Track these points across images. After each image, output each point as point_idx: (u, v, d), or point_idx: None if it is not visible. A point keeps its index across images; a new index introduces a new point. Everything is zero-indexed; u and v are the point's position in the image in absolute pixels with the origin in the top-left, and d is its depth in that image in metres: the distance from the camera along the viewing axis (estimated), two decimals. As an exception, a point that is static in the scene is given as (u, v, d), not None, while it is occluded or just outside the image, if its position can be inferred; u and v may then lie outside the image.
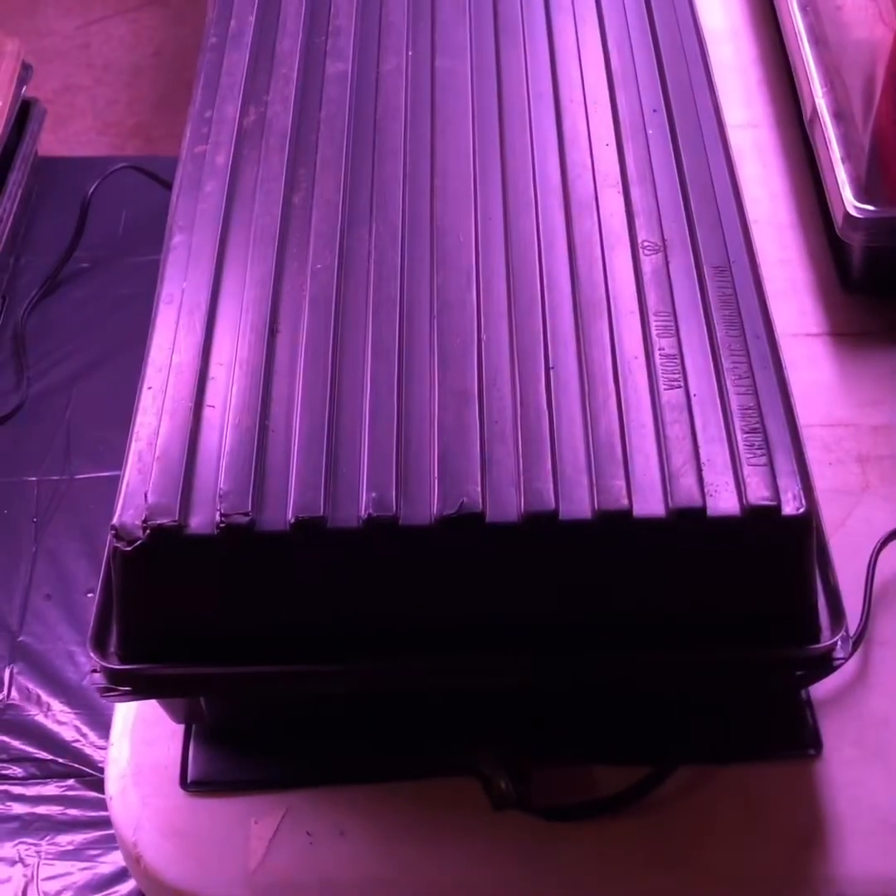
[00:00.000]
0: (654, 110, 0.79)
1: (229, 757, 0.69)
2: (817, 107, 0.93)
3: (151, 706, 0.69)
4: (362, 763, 0.68)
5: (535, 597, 0.61)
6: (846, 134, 0.90)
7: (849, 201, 0.86)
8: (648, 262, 0.69)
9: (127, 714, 0.71)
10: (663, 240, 0.71)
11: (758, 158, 1.02)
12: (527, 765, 0.66)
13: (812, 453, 0.81)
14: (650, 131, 0.78)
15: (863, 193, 0.86)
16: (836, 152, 0.89)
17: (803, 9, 1.00)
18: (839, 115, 0.92)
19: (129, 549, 0.59)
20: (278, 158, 0.76)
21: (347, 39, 0.84)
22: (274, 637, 0.62)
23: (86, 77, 2.31)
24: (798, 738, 0.69)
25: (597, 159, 0.75)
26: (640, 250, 0.70)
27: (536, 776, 0.66)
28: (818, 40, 0.97)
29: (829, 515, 0.77)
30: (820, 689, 0.70)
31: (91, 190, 1.30)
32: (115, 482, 0.63)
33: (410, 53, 0.83)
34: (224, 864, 0.66)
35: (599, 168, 0.75)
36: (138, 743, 0.70)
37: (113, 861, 0.89)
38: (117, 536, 0.59)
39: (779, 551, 0.60)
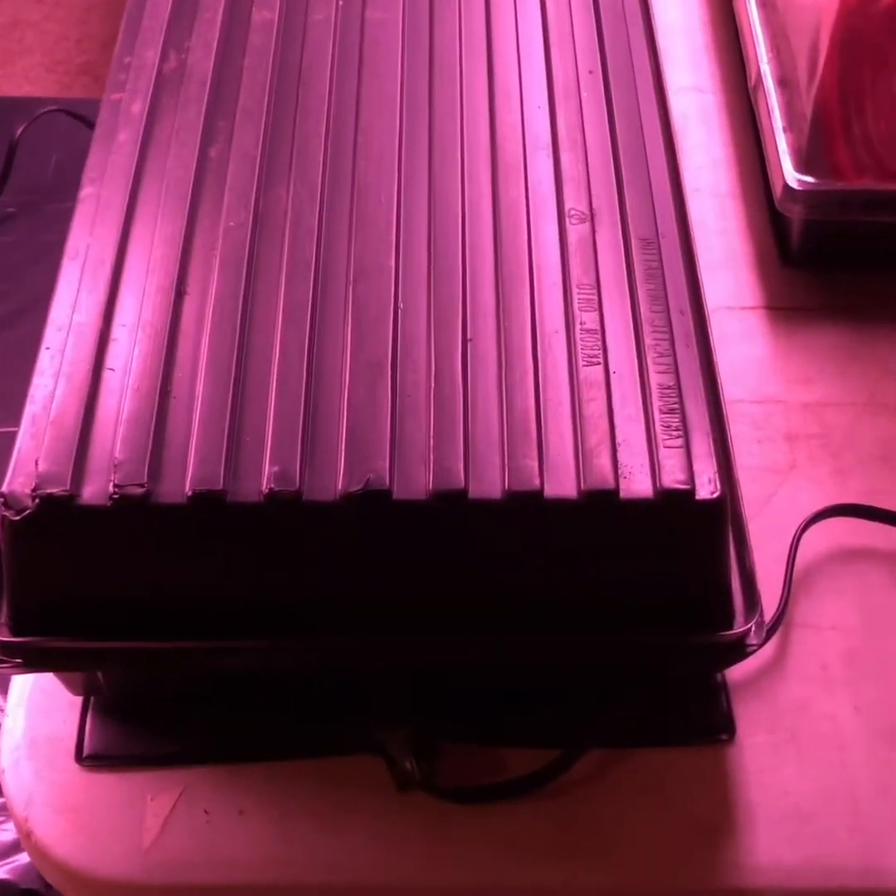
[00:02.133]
0: (590, 72, 0.77)
1: (127, 731, 0.66)
2: (761, 73, 0.91)
3: (49, 677, 0.67)
4: (263, 740, 0.66)
5: (441, 575, 0.59)
6: (789, 102, 0.88)
7: (788, 172, 0.84)
8: (574, 232, 0.67)
9: (23, 684, 0.68)
10: (591, 209, 0.68)
11: (702, 124, 1.00)
12: (433, 745, 0.65)
13: (740, 430, 0.80)
14: (585, 94, 0.75)
15: (803, 165, 0.84)
16: (778, 121, 0.87)
17: (752, -29, 0.97)
18: (783, 82, 0.89)
19: (17, 518, 0.56)
20: (196, 108, 0.73)
21: (276, -15, 0.81)
22: (169, 611, 0.59)
23: (35, 12, 2.24)
24: (711, 723, 0.68)
25: (528, 121, 0.73)
26: (567, 219, 0.68)
27: (443, 757, 0.65)
28: (765, 3, 0.94)
29: (754, 494, 0.76)
30: (735, 673, 0.69)
31: (18, 132, 1.25)
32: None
33: (340, 3, 0.80)
34: (117, 840, 0.64)
35: (530, 130, 0.72)
36: (34, 713, 0.68)
37: (12, 830, 0.87)
38: (5, 504, 0.57)
39: (692, 535, 0.58)
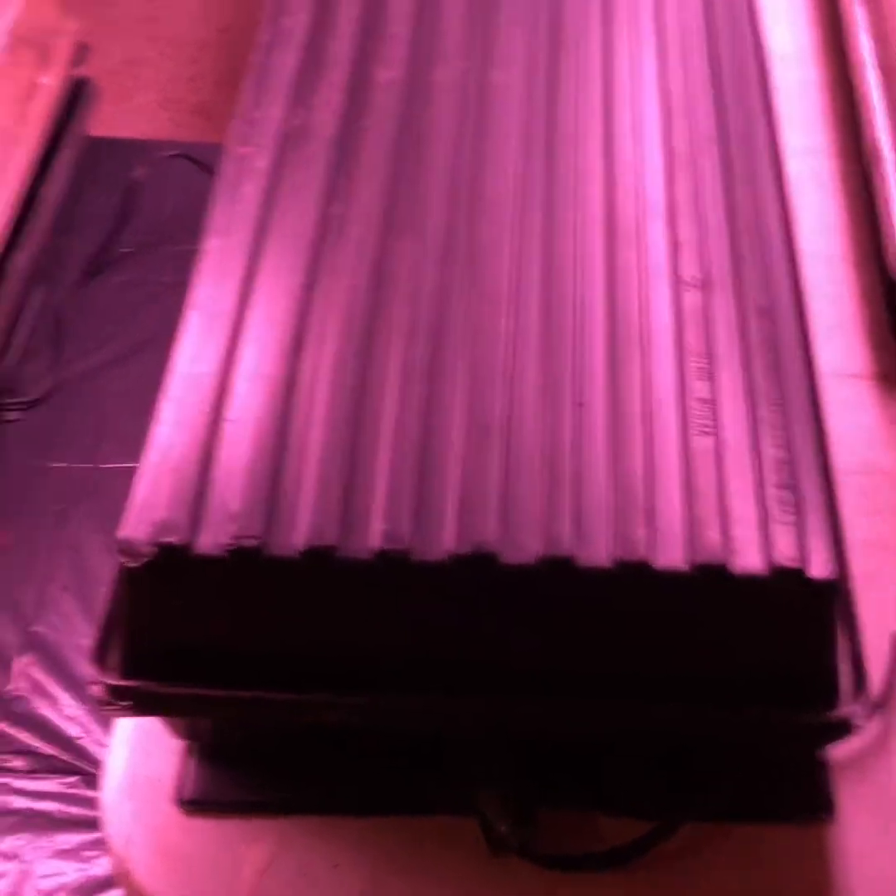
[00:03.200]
0: (708, 139, 0.77)
1: (227, 777, 0.67)
2: (878, 140, 0.90)
3: (152, 719, 0.68)
4: (360, 794, 0.66)
5: (545, 641, 0.59)
6: (907, 173, 0.87)
7: (905, 243, 0.83)
8: (689, 299, 0.67)
9: (127, 723, 0.70)
10: (706, 276, 0.68)
11: (816, 187, 0.99)
12: (530, 810, 0.64)
13: (848, 501, 0.78)
14: (702, 160, 0.75)
15: (920, 235, 0.83)
16: (893, 189, 0.86)
17: (873, 37, 0.97)
18: (901, 153, 0.89)
19: (134, 565, 0.58)
20: (319, 166, 0.75)
21: (400, 46, 0.82)
22: (278, 662, 0.60)
23: (151, 50, 2.29)
24: (812, 801, 0.67)
25: (644, 187, 0.73)
26: (682, 286, 0.68)
27: (538, 822, 0.65)
28: (885, 71, 0.94)
29: (862, 569, 0.75)
30: (839, 750, 0.68)
31: (139, 175, 1.29)
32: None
33: (463, 64, 0.81)
34: (213, 886, 0.64)
35: (646, 196, 0.73)
36: (136, 753, 0.69)
37: (107, 865, 0.88)
38: (123, 551, 0.58)
39: (802, 613, 0.58)
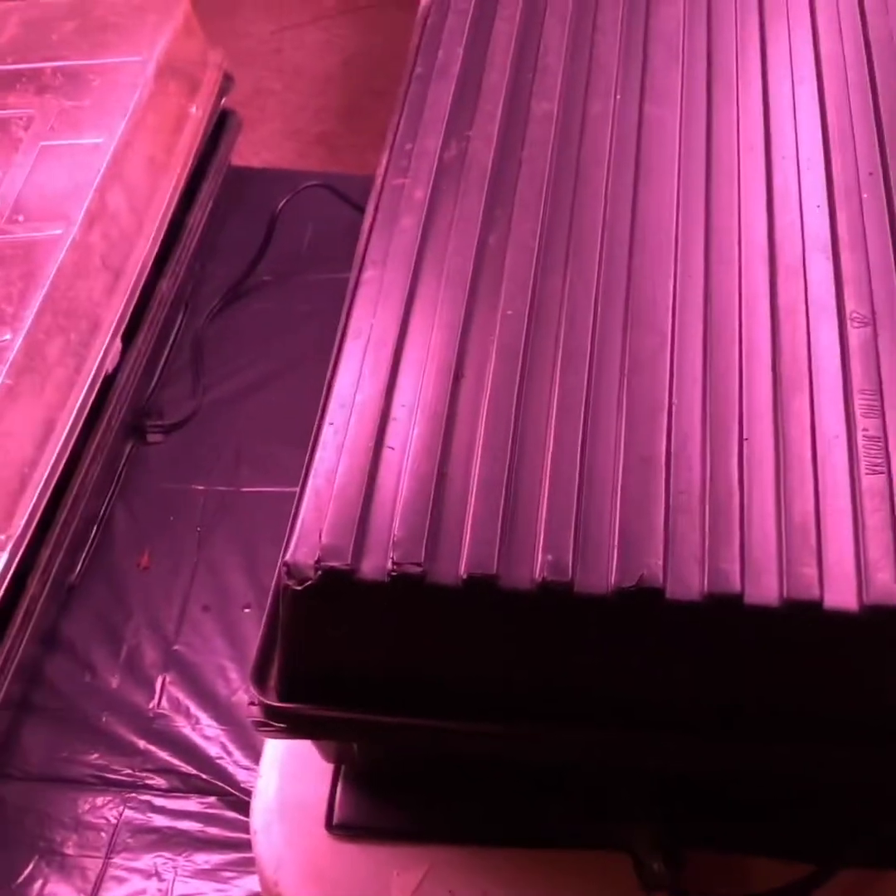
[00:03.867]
0: (870, 173, 0.76)
1: (376, 803, 0.67)
2: None
3: (303, 743, 0.68)
4: (512, 826, 0.66)
5: (711, 678, 0.58)
6: None
7: None
8: (856, 335, 0.66)
9: (276, 747, 0.70)
10: (873, 312, 0.67)
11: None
12: (682, 848, 0.63)
13: None
14: (864, 195, 0.74)
15: None
16: None
17: None
18: None
19: (299, 588, 0.58)
20: (476, 197, 0.75)
21: (555, 78, 0.83)
22: (435, 690, 0.60)
23: (277, 82, 2.34)
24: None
25: (807, 221, 0.72)
26: (848, 322, 0.67)
27: (690, 860, 0.64)
28: None
29: None
30: None
31: (280, 205, 1.31)
32: (280, 498, 0.62)
33: (618, 97, 0.81)
34: (362, 912, 0.65)
35: (809, 231, 0.72)
36: (287, 777, 0.69)
37: (245, 886, 0.89)
38: (289, 574, 0.58)
39: None
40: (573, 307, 0.68)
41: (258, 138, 2.24)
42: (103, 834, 0.95)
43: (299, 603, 0.59)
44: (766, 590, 0.56)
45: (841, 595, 0.56)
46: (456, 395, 0.65)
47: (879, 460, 0.60)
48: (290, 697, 0.61)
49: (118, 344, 1.15)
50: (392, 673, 0.60)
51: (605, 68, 0.83)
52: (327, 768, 0.69)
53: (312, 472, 0.62)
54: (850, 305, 0.67)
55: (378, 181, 0.80)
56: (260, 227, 1.33)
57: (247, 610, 1.07)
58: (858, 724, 0.58)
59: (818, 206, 0.73)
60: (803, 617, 0.56)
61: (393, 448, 0.63)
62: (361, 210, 0.81)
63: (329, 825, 0.67)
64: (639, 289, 0.69)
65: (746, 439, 0.62)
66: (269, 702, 0.60)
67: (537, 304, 0.69)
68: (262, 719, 0.61)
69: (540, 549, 0.58)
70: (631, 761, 0.62)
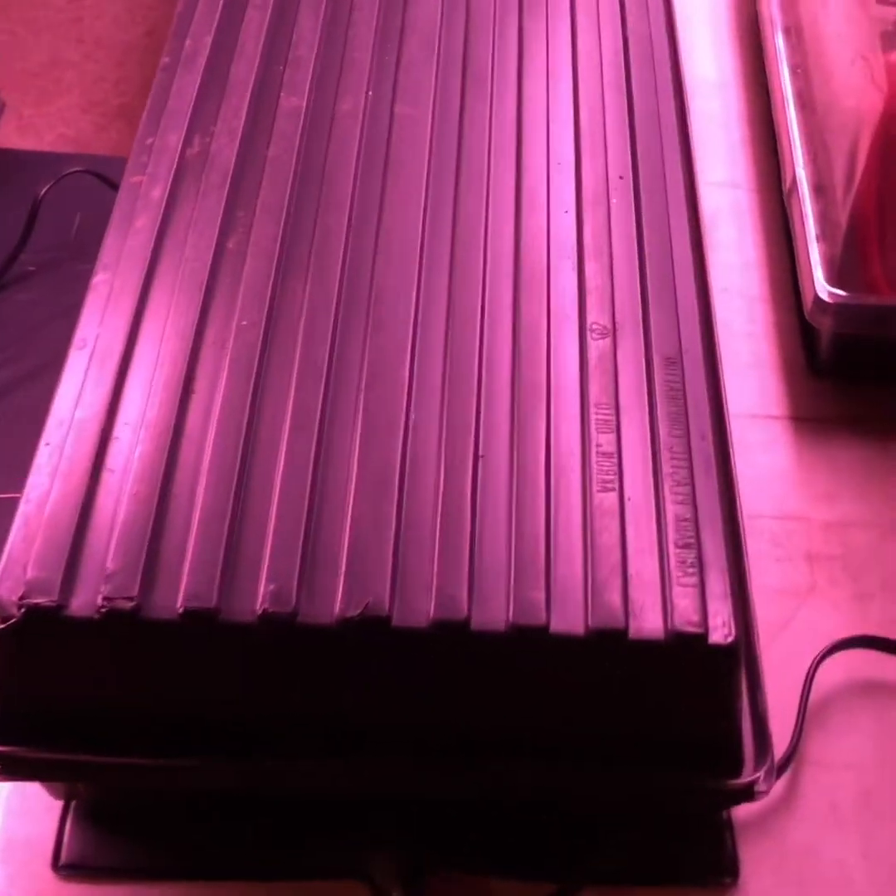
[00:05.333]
0: (620, 176, 0.75)
1: (106, 841, 0.64)
2: (797, 177, 0.89)
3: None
4: (244, 858, 0.63)
5: (437, 705, 0.57)
6: (824, 210, 0.86)
7: (819, 284, 0.82)
8: (595, 348, 0.65)
9: (2, 784, 0.66)
10: (614, 323, 0.66)
11: (734, 222, 0.98)
12: (422, 876, 0.62)
13: (759, 547, 0.77)
14: (614, 200, 0.73)
15: (835, 276, 0.82)
16: (811, 229, 0.85)
17: (793, 70, 0.96)
18: (819, 189, 0.87)
19: (2, 626, 0.54)
20: (217, 198, 0.72)
21: (306, 72, 0.80)
22: (154, 727, 0.57)
23: (75, 52, 2.25)
24: (714, 864, 0.65)
25: (553, 227, 0.71)
26: (589, 333, 0.66)
27: (432, 887, 0.62)
28: (805, 106, 0.93)
29: (770, 618, 0.74)
30: (742, 811, 0.66)
31: (43, 191, 1.24)
32: None
33: (370, 94, 0.78)
34: (90, 958, 0.61)
35: (555, 237, 0.71)
36: (12, 815, 0.65)
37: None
38: (-10, 611, 0.55)
39: (702, 679, 0.56)
40: (312, 318, 0.66)
41: (55, 111, 2.15)
42: None
43: (3, 642, 0.55)
44: (493, 615, 0.55)
45: (568, 619, 0.55)
46: (184, 412, 0.61)
47: (611, 477, 0.60)
48: (3, 739, 0.57)
49: None
50: (112, 712, 0.57)
51: (358, 63, 0.80)
52: (55, 805, 0.65)
53: (24, 498, 0.58)
54: (591, 316, 0.67)
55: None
56: (22, 213, 1.26)
57: None
58: (592, 745, 0.57)
59: (566, 212, 0.72)
60: (530, 642, 0.55)
61: (113, 471, 0.59)
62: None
63: (55, 865, 0.63)
64: (381, 298, 0.67)
65: (482, 456, 0.60)
66: (-22, 744, 0.57)
67: (274, 314, 0.66)
68: (-26, 762, 0.57)
69: (263, 578, 0.55)
70: (362, 791, 0.60)
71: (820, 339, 0.85)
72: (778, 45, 0.97)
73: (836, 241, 0.84)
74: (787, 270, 0.94)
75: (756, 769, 0.58)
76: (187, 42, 0.83)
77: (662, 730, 0.57)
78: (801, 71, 0.94)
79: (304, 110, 0.77)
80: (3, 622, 0.54)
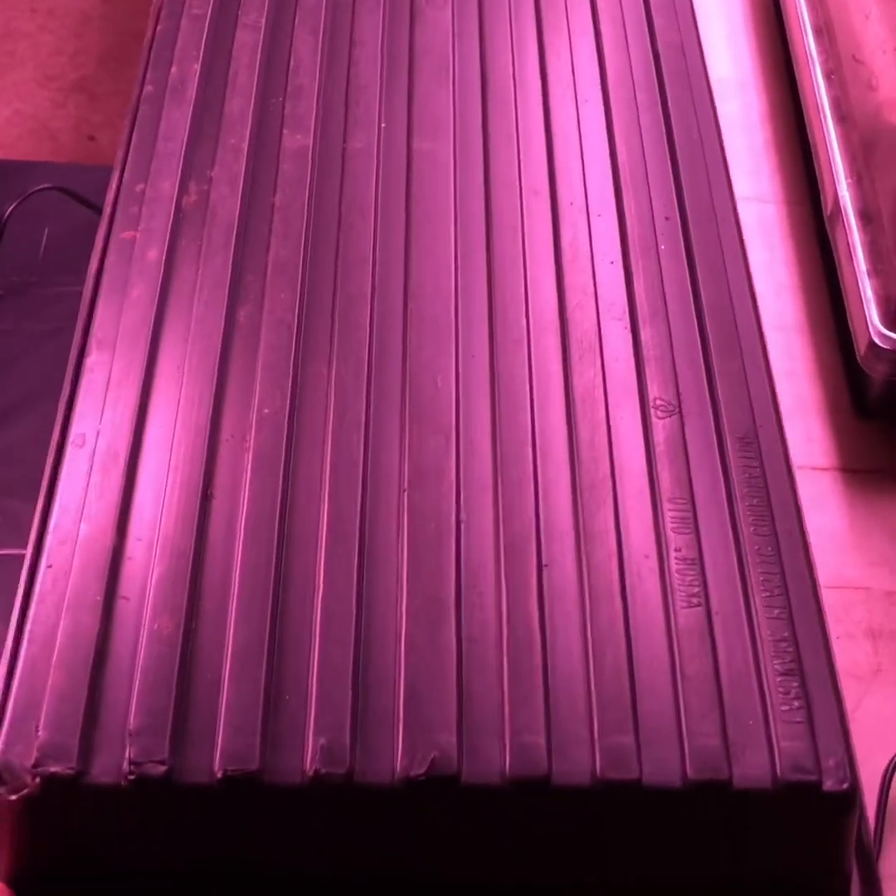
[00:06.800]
0: (667, 218, 0.68)
1: None
2: (840, 200, 0.81)
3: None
4: None
5: (517, 866, 0.50)
6: (874, 240, 0.79)
7: (874, 327, 0.75)
8: (662, 427, 0.58)
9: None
10: (678, 397, 0.59)
11: (764, 242, 0.91)
12: None
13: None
14: (662, 246, 0.66)
15: (892, 318, 0.75)
16: (860, 262, 0.78)
17: (827, 76, 0.88)
18: (866, 216, 0.80)
19: (13, 797, 0.47)
20: (222, 258, 0.64)
21: (309, 103, 0.72)
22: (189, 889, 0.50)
23: (28, 22, 2.11)
24: None
25: (600, 282, 0.64)
26: (652, 410, 0.59)
27: None
28: (844, 118, 0.85)
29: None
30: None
31: (8, 211, 1.14)
32: (16, 563, 0.51)
33: (383, 126, 0.71)
34: None
35: (603, 294, 0.63)
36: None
37: None
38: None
39: (815, 828, 0.49)
40: (342, 401, 0.58)
41: (8, 85, 2.02)
42: None
43: (15, 813, 0.47)
44: (577, 766, 0.48)
45: (663, 770, 0.48)
46: (205, 522, 0.54)
47: (696, 588, 0.53)
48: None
49: None
50: (140, 881, 0.50)
51: (366, 91, 0.72)
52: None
53: (27, 635, 0.51)
54: (653, 390, 0.59)
55: (104, 225, 0.68)
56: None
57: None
58: None
59: (612, 263, 0.65)
60: (622, 796, 0.48)
61: (128, 598, 0.52)
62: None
63: None
64: (417, 375, 0.59)
65: (546, 566, 0.53)
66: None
67: (299, 399, 0.58)
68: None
69: (311, 731, 0.48)
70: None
71: (871, 382, 0.78)
72: (808, 47, 0.89)
73: (891, 279, 0.76)
74: (825, 295, 0.86)
75: (864, 908, 0.52)
76: (172, 69, 0.74)
77: (767, 879, 0.51)
78: (835, 78, 0.86)
79: (311, 150, 0.69)
80: (14, 792, 0.47)
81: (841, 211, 0.81)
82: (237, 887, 0.50)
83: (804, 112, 0.90)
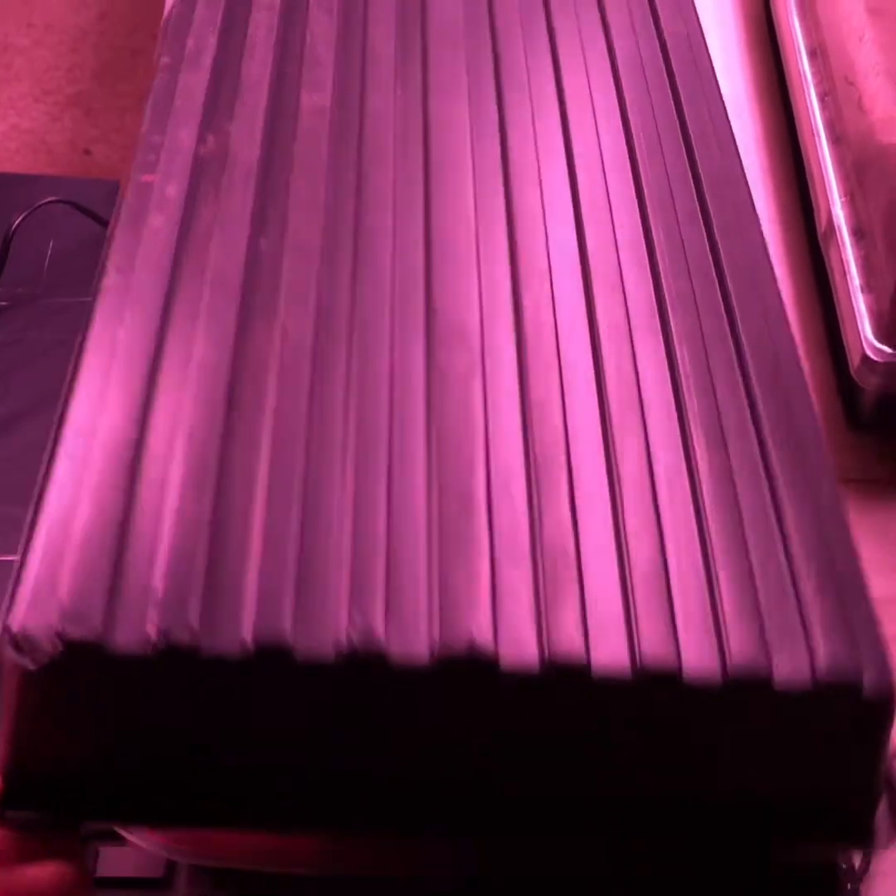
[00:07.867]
0: (681, 176, 0.68)
1: None
2: (834, 219, 0.83)
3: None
4: None
5: (555, 762, 0.48)
6: (867, 256, 0.80)
7: (867, 340, 0.76)
8: (688, 355, 0.58)
9: None
10: (700, 325, 0.59)
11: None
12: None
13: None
14: (674, 192, 0.66)
15: (884, 332, 0.76)
16: (854, 278, 0.79)
17: (821, 98, 0.91)
18: (859, 233, 0.82)
19: (34, 667, 0.44)
20: (243, 194, 0.64)
21: (326, 70, 0.72)
22: (216, 793, 0.48)
23: (25, 37, 2.11)
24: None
25: (618, 227, 0.64)
26: (676, 342, 0.59)
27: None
28: (838, 139, 0.87)
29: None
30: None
31: (16, 223, 1.13)
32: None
33: (399, 92, 0.72)
34: None
35: (622, 237, 0.64)
36: None
37: None
38: (17, 647, 0.45)
39: (851, 737, 0.48)
40: (364, 323, 0.58)
41: (5, 99, 1.99)
42: None
43: (35, 685, 0.45)
44: (613, 654, 0.47)
45: (702, 660, 0.47)
46: (231, 423, 0.53)
47: (729, 493, 0.52)
48: (16, 804, 0.47)
49: None
50: (160, 770, 0.47)
51: (381, 59, 0.74)
52: None
53: (44, 513, 0.49)
54: (674, 320, 0.60)
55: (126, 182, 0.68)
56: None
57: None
58: (710, 808, 0.50)
59: (629, 212, 0.66)
60: (660, 688, 0.47)
61: (152, 482, 0.50)
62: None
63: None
64: (440, 302, 0.59)
65: (575, 471, 0.53)
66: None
67: (324, 318, 0.58)
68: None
69: (344, 607, 0.47)
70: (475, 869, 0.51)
71: (864, 395, 0.79)
72: (803, 69, 0.92)
73: (882, 292, 0.78)
74: (819, 311, 0.88)
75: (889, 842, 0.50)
76: (189, 41, 0.75)
77: (790, 794, 0.49)
78: (830, 99, 0.89)
79: (328, 107, 0.70)
80: (35, 662, 0.44)
81: (835, 228, 0.83)
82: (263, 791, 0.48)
83: (799, 133, 0.93)
